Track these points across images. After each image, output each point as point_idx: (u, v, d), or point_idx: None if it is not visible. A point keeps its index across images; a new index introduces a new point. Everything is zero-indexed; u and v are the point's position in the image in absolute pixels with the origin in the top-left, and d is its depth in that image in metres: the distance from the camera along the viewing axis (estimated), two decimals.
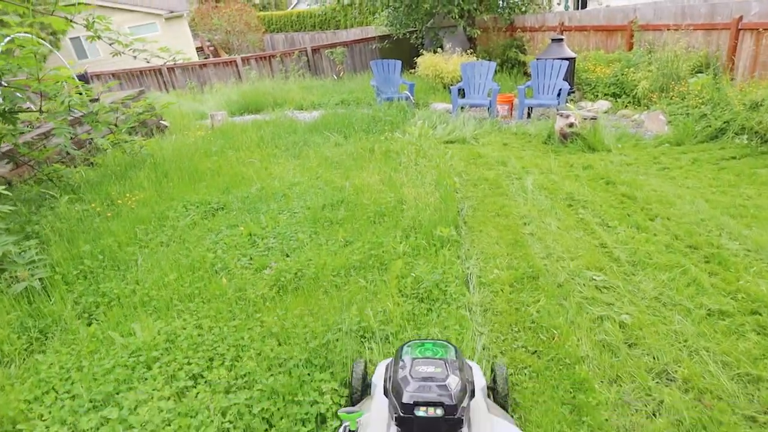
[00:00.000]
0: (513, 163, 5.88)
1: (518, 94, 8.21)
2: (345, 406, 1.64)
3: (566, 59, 8.51)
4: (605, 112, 8.71)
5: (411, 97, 9.01)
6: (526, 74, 11.56)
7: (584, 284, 3.14)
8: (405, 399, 1.07)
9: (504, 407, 1.67)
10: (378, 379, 1.46)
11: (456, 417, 1.03)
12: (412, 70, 11.23)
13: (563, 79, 8.34)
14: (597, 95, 9.24)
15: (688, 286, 3.08)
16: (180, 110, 10.69)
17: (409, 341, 1.36)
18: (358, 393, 1.86)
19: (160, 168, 5.63)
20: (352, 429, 1.17)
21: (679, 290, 3.03)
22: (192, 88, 14.29)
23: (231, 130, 8.01)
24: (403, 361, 1.22)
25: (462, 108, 8.67)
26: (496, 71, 8.64)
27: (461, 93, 9.12)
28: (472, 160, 6.05)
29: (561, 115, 6.83)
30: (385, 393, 1.19)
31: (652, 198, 4.61)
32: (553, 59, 8.43)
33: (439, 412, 1.04)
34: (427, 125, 7.43)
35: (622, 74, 8.94)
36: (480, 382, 1.44)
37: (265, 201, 4.71)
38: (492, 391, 1.91)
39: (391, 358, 1.41)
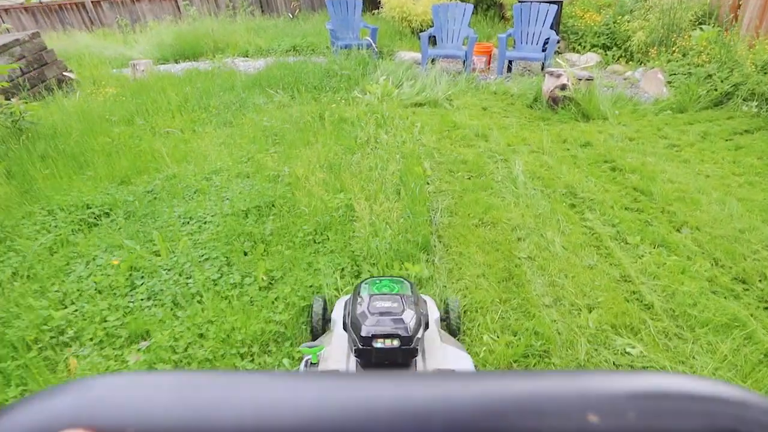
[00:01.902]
0: (496, 137, 4.71)
1: (498, 44, 6.90)
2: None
3: (554, 2, 7.18)
4: (593, 67, 7.53)
5: (373, 45, 7.57)
6: (503, 18, 10.14)
7: (615, 361, 2.11)
8: (363, 332, 1.08)
9: (455, 336, 1.69)
10: (337, 315, 1.44)
11: (411, 347, 1.06)
12: (376, 11, 9.63)
13: (550, 28, 7.05)
14: (585, 46, 8.00)
15: (759, 363, 2.10)
16: (100, 56, 8.90)
17: (367, 278, 1.41)
18: (319, 329, 1.88)
19: (37, 147, 4.19)
20: (314, 362, 1.14)
21: (750, 374, 2.04)
22: (123, 27, 12.19)
23: (155, 84, 6.46)
24: (361, 297, 1.23)
25: (433, 60, 7.31)
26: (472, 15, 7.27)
27: (432, 41, 7.72)
28: (446, 131, 4.84)
29: (550, 74, 5.62)
30: (345, 327, 1.25)
31: (671, 194, 3.58)
32: (540, 2, 7.09)
33: (396, 343, 1.06)
34: (392, 82, 6.11)
35: (614, 23, 7.70)
36: (434, 314, 1.43)
37: (171, 200, 3.43)
38: (445, 322, 1.93)
39: (349, 295, 1.44)
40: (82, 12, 12.58)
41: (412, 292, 1.32)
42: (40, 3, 12.36)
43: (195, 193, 3.55)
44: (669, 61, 6.69)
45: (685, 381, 0.20)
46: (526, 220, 3.23)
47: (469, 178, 3.86)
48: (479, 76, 6.84)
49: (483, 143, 4.59)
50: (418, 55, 7.80)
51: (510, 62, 7.22)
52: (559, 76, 5.53)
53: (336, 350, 1.25)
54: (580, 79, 5.48)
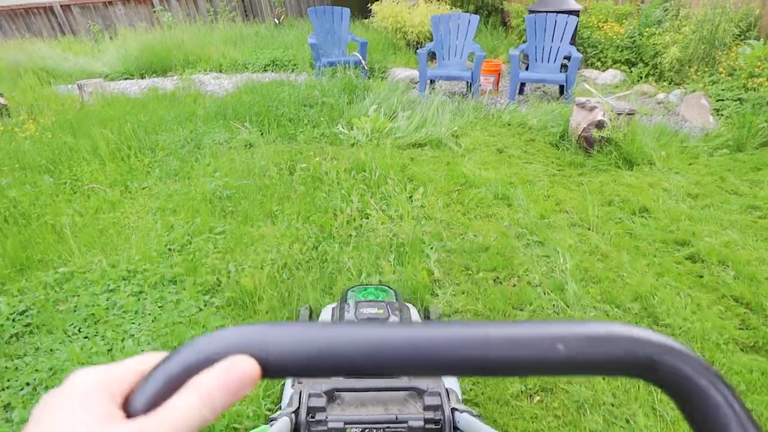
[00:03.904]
0: (522, 199, 3.41)
1: (510, 62, 5.58)
2: None
3: (572, 12, 5.85)
4: (616, 87, 6.24)
5: (363, 62, 6.22)
6: (506, 26, 8.79)
7: None
8: None
9: None
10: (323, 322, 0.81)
11: None
12: (366, 20, 8.26)
13: (569, 43, 5.72)
14: (605, 62, 6.70)
15: None
16: (56, 71, 7.49)
17: (353, 286, 1.43)
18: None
19: None
20: None
21: None
22: (95, 34, 10.72)
23: (98, 113, 5.10)
24: (348, 304, 1.22)
25: (432, 82, 5.96)
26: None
27: (431, 57, 6.38)
28: (455, 191, 3.53)
29: (581, 107, 4.32)
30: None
31: None
32: (557, 12, 5.75)
33: None
34: (384, 113, 4.78)
35: (640, 35, 6.38)
36: (416, 320, 1.33)
37: (48, 336, 2.11)
38: None
39: (335, 303, 1.44)
40: (51, 17, 11.09)
41: (396, 299, 1.35)
42: (3, 7, 10.86)
43: (86, 321, 2.23)
44: (713, 82, 5.40)
45: (623, 327, 0.28)
46: (595, 383, 1.94)
47: (496, 282, 2.56)
48: (488, 101, 5.52)
49: (506, 211, 3.28)
50: (414, 73, 6.46)
51: (522, 83, 5.91)
52: (592, 109, 4.22)
53: None
54: (619, 114, 4.18)
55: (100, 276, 2.52)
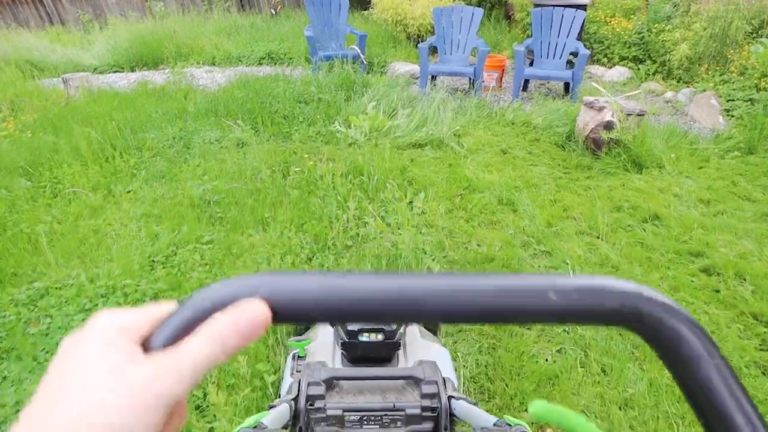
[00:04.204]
0: (527, 204, 3.25)
1: (515, 58, 5.39)
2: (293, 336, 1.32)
3: (579, 6, 5.66)
4: (623, 84, 6.06)
5: (361, 56, 6.02)
6: (510, 19, 8.59)
7: None
8: (350, 327, 1.08)
9: (434, 333, 1.56)
10: None
11: (394, 341, 1.08)
12: (365, 12, 8.04)
13: (576, 39, 5.54)
14: (611, 58, 6.51)
15: None
16: (42, 63, 7.27)
17: None
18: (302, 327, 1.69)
19: None
20: (301, 355, 1.12)
21: None
22: (86, 24, 10.45)
23: (83, 109, 4.90)
24: None
25: (433, 78, 5.78)
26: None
27: (432, 52, 6.19)
28: (458, 196, 3.37)
29: (589, 106, 4.15)
30: (331, 323, 1.19)
31: None
32: (564, 6, 5.56)
33: (380, 337, 1.07)
34: (383, 111, 4.60)
35: (648, 31, 6.20)
36: None
37: (16, 361, 1.95)
38: None
39: None
40: (39, 6, 10.81)
41: None
42: None
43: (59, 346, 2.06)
44: (724, 82, 5.23)
45: (611, 280, 0.28)
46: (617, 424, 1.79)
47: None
48: (491, 98, 5.34)
49: (511, 217, 3.12)
50: (415, 68, 6.27)
51: (526, 80, 5.73)
52: (601, 109, 4.06)
53: (322, 344, 1.21)
54: (629, 115, 4.01)
55: (77, 293, 2.35)
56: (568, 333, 2.19)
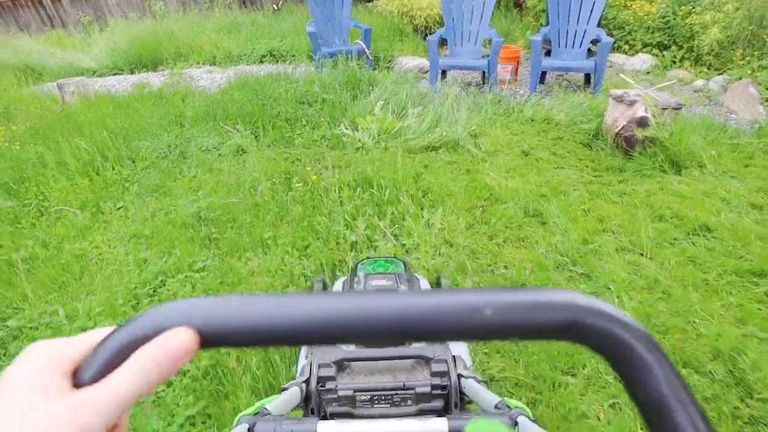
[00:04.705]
0: (557, 215, 2.88)
1: (532, 49, 4.98)
2: None
3: None
4: (647, 73, 5.62)
5: (367, 51, 5.65)
6: (519, 6, 8.12)
7: None
8: None
9: None
10: None
11: None
12: (369, 3, 7.63)
13: (597, 26, 5.10)
14: (633, 45, 6.06)
15: None
16: (41, 67, 6.99)
17: (363, 259, 1.47)
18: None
19: None
20: None
21: None
22: (87, 26, 10.15)
23: (78, 116, 4.61)
24: (358, 276, 1.22)
25: (443, 72, 5.38)
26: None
27: (441, 44, 5.79)
28: (479, 208, 3.00)
29: (619, 100, 3.75)
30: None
31: None
32: None
33: None
34: (392, 111, 4.24)
35: (674, 15, 5.73)
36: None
37: None
38: None
39: (347, 276, 1.43)
40: (39, 9, 10.54)
41: (406, 270, 1.37)
42: None
43: None
44: (762, 68, 4.78)
45: (552, 292, 0.27)
46: None
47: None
48: (507, 93, 4.94)
49: (540, 232, 2.75)
50: (423, 62, 5.89)
51: (543, 72, 5.31)
52: (632, 103, 3.65)
53: None
54: (664, 109, 3.61)
55: (54, 335, 2.05)
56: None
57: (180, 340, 0.26)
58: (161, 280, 2.36)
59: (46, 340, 0.27)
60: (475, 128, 4.06)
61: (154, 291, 2.29)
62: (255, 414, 0.71)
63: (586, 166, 3.60)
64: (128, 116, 4.56)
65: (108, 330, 0.28)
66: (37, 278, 2.46)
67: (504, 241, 2.67)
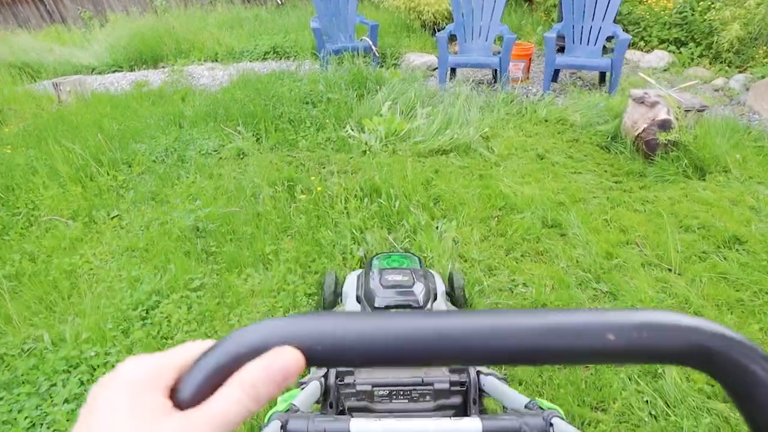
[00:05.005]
0: (576, 225, 2.69)
1: (545, 46, 4.76)
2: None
3: None
4: (664, 70, 5.40)
5: (374, 48, 5.44)
6: (529, 1, 7.87)
7: None
8: (377, 303, 1.08)
9: (459, 307, 1.65)
10: (349, 288, 1.43)
11: None
12: None
13: (613, 22, 4.88)
14: (649, 41, 5.83)
15: None
16: (37, 65, 6.82)
17: (378, 254, 1.42)
18: (330, 302, 1.79)
19: None
20: None
21: None
22: (87, 21, 9.96)
23: (73, 117, 4.43)
24: (373, 271, 1.21)
25: (453, 70, 5.17)
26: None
27: (451, 41, 5.57)
28: (493, 218, 2.81)
29: (639, 101, 3.54)
30: (358, 299, 1.24)
31: None
32: None
33: None
34: (400, 111, 4.05)
35: (692, 10, 5.49)
36: (440, 287, 1.40)
37: None
38: (449, 295, 1.84)
39: (359, 270, 1.47)
40: (39, 5, 10.35)
41: (420, 266, 1.34)
42: None
43: None
44: None
45: (673, 315, 0.26)
46: None
47: (562, 368, 1.88)
48: (519, 91, 4.73)
49: (560, 245, 2.57)
50: (431, 59, 5.68)
51: (556, 70, 5.09)
52: (653, 104, 3.45)
53: None
54: (687, 111, 3.40)
55: (35, 364, 1.88)
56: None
57: (286, 358, 0.25)
58: (155, 301, 2.18)
59: (139, 356, 0.26)
60: (488, 130, 3.86)
61: (147, 313, 2.12)
62: (286, 411, 0.70)
63: (605, 171, 3.40)
64: (126, 117, 4.39)
65: (201, 344, 0.27)
66: (22, 297, 2.30)
67: (522, 255, 2.49)
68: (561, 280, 2.30)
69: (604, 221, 2.78)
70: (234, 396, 0.24)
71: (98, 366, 1.84)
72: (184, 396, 0.24)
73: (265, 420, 0.66)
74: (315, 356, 0.25)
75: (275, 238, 2.58)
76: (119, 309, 2.14)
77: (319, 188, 2.86)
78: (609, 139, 3.74)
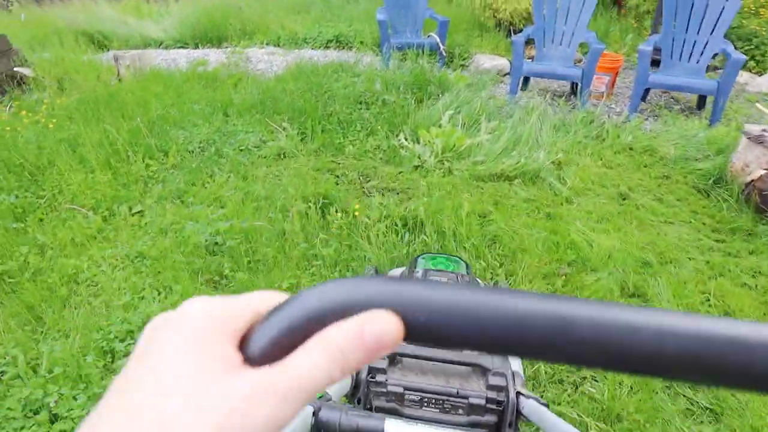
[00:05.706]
0: (666, 301, 2.09)
1: (639, 60, 4.03)
2: None
3: None
4: None
5: (441, 46, 4.89)
6: (617, 5, 6.96)
7: None
8: None
9: None
10: None
11: None
12: None
13: (723, 37, 4.06)
14: (761, 61, 4.91)
15: None
16: (110, 34, 6.79)
17: (423, 254, 1.32)
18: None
19: None
20: None
21: None
22: None
23: (125, 94, 4.23)
24: (417, 271, 1.12)
25: (526, 81, 4.54)
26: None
27: (527, 45, 4.91)
28: (560, 275, 2.26)
29: (756, 141, 2.82)
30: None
31: None
32: None
33: None
34: (462, 124, 3.52)
35: None
36: None
37: None
38: None
39: (401, 267, 1.35)
40: None
41: (467, 272, 1.24)
42: None
43: None
44: None
45: None
46: None
47: None
48: (601, 111, 4.04)
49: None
50: (503, 62, 5.06)
51: (647, 88, 4.34)
52: None
53: None
54: None
55: (4, 391, 1.58)
56: None
57: (385, 324, 0.20)
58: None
59: (206, 297, 0.22)
60: (561, 155, 3.26)
61: (132, 346, 1.78)
62: (320, 398, 0.66)
63: (703, 224, 2.73)
64: (175, 98, 4.12)
65: (276, 294, 0.23)
66: (13, 302, 2.03)
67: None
68: (643, 382, 1.73)
69: (702, 296, 2.16)
70: (317, 359, 0.20)
71: (58, 419, 1.50)
72: (256, 350, 0.20)
73: None
74: (416, 328, 0.20)
75: (297, 267, 2.17)
76: (106, 337, 1.81)
77: (357, 211, 2.41)
78: (710, 181, 3.04)
